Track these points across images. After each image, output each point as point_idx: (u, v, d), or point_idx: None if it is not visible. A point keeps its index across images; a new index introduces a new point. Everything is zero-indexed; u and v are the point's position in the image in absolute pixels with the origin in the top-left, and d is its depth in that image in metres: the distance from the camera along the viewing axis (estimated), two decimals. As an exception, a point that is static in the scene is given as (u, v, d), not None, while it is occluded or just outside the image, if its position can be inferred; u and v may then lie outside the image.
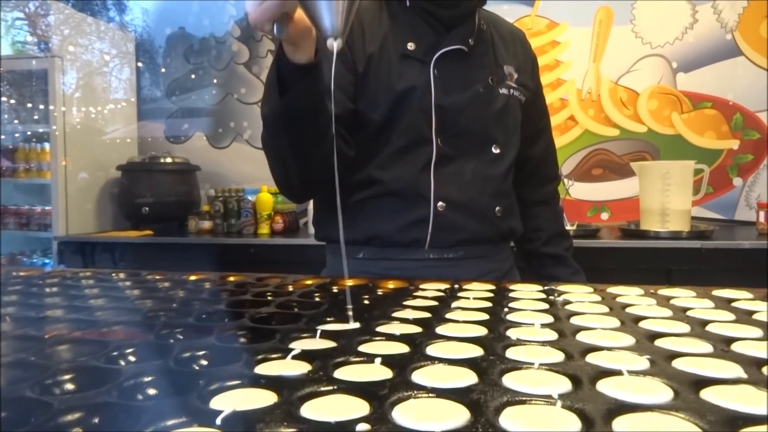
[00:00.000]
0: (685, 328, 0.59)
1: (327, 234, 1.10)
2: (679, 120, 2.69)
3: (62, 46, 2.77)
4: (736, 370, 0.46)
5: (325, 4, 0.60)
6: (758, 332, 0.57)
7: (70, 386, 0.46)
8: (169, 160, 2.89)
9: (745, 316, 0.65)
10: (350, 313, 0.63)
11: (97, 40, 3.00)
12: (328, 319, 0.65)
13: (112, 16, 3.44)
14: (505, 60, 1.09)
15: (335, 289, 0.84)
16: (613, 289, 0.81)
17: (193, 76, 3.25)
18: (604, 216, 2.80)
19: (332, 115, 0.74)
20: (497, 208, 1.06)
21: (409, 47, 1.01)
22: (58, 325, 0.63)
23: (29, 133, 3.00)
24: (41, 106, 2.86)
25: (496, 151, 1.05)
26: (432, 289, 0.83)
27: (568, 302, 0.72)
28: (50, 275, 0.97)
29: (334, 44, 0.62)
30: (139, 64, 3.32)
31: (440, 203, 1.00)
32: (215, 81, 3.22)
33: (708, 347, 0.53)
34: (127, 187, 2.86)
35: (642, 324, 0.61)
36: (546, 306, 0.70)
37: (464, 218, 1.02)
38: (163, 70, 3.31)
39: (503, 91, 1.06)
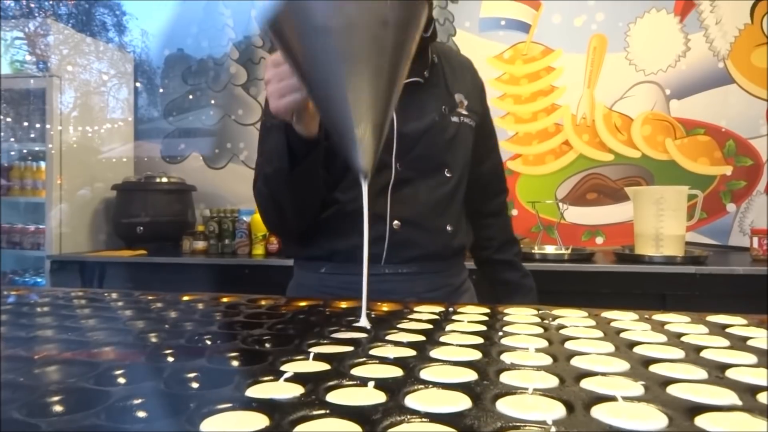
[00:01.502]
0: (680, 353, 0.59)
1: (295, 251, 1.20)
2: (673, 146, 2.71)
3: (61, 65, 2.78)
4: (731, 397, 0.45)
5: (358, 147, 0.70)
6: (753, 359, 0.57)
7: (58, 408, 0.45)
8: (164, 179, 2.89)
9: (739, 342, 0.64)
10: (364, 311, 0.70)
11: (96, 60, 3.03)
12: (322, 341, 0.64)
13: (112, 37, 3.47)
14: (456, 89, 1.18)
15: (328, 312, 0.84)
16: (607, 314, 0.81)
17: (190, 97, 3.27)
18: (599, 240, 2.81)
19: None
20: (448, 226, 1.15)
21: None
22: (47, 346, 0.62)
23: (25, 151, 3.00)
24: (38, 125, 2.86)
25: (447, 174, 1.14)
26: (426, 311, 0.83)
27: (563, 326, 0.72)
28: (42, 294, 0.96)
29: (363, 182, 0.73)
30: (137, 85, 3.34)
31: (396, 222, 1.08)
32: (213, 102, 3.23)
33: (703, 373, 0.52)
34: (121, 207, 2.86)
35: (636, 349, 0.61)
36: (540, 330, 0.70)
37: (418, 235, 1.10)
38: (161, 90, 3.33)
39: (455, 119, 1.15)
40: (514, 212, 2.86)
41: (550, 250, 2.48)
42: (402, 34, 0.70)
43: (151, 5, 3.35)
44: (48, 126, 2.72)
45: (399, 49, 0.70)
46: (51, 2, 3.55)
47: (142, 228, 2.77)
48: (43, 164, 2.83)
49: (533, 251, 2.39)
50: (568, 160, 2.82)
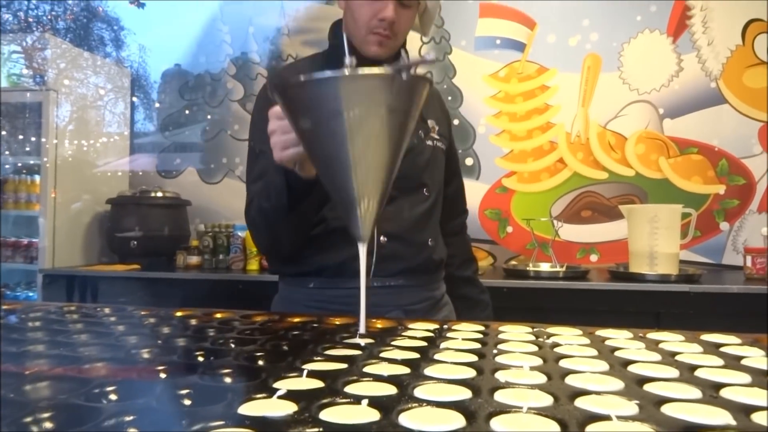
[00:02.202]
0: (674, 372, 0.59)
1: (284, 267, 1.23)
2: (666, 164, 2.73)
3: (57, 79, 2.79)
4: (725, 417, 0.45)
5: (358, 219, 0.77)
6: (747, 378, 0.57)
7: (48, 425, 0.44)
8: (159, 194, 2.88)
9: (733, 362, 0.64)
10: (362, 321, 0.78)
11: (93, 75, 3.03)
12: (316, 358, 0.64)
13: (109, 52, 3.48)
14: (428, 115, 1.26)
15: (323, 327, 0.84)
16: (602, 332, 0.81)
17: (187, 112, 3.28)
18: (594, 258, 2.81)
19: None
20: (429, 240, 1.22)
21: None
22: (38, 361, 0.61)
23: (20, 164, 3.00)
24: (33, 138, 2.86)
25: (426, 193, 1.22)
26: (421, 329, 0.83)
27: (557, 345, 0.72)
28: (33, 309, 0.95)
29: (361, 249, 0.81)
30: (134, 99, 3.34)
31: (383, 237, 1.14)
32: (209, 117, 3.24)
33: (697, 393, 0.52)
34: (115, 221, 2.84)
35: (631, 368, 0.61)
36: (535, 348, 0.70)
37: (403, 249, 1.16)
38: (157, 105, 3.34)
39: (429, 143, 1.24)
40: (509, 229, 2.87)
41: (545, 267, 2.48)
42: (405, 117, 0.76)
43: (150, 21, 3.37)
44: (43, 139, 2.72)
45: (401, 129, 0.76)
46: (49, 17, 3.57)
47: (136, 242, 2.76)
48: (37, 178, 2.82)
49: (528, 269, 2.39)
50: (562, 178, 2.83)
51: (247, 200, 1.15)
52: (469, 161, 2.90)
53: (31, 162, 2.89)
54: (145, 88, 3.38)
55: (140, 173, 3.29)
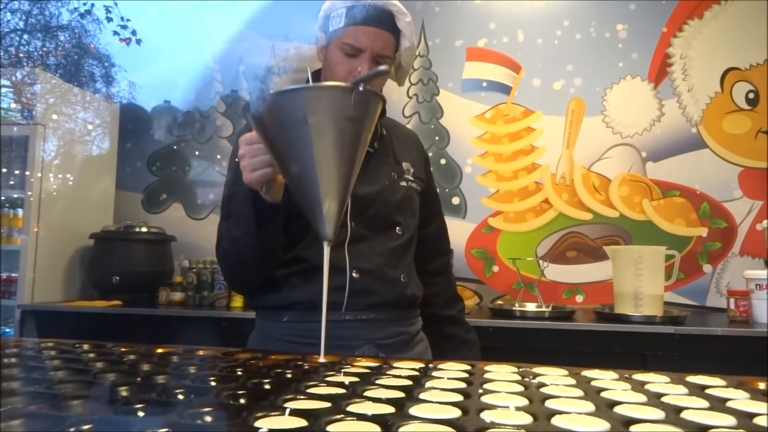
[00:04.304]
0: (660, 414, 0.59)
1: (259, 302, 1.25)
2: (650, 207, 2.77)
3: (45, 114, 2.79)
4: (711, 459, 0.45)
5: (324, 218, 0.86)
6: (732, 420, 0.57)
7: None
8: (144, 229, 2.86)
9: (719, 404, 0.64)
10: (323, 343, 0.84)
11: (81, 110, 3.04)
12: (299, 396, 0.63)
13: (99, 88, 3.51)
14: (403, 157, 1.31)
15: (306, 366, 0.82)
16: (588, 373, 0.80)
17: (175, 148, 3.28)
18: (579, 298, 2.82)
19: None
20: (402, 277, 1.23)
21: None
22: (12, 399, 0.59)
23: (2, 198, 2.97)
24: (17, 172, 2.84)
25: (399, 232, 1.25)
26: (406, 368, 0.82)
27: (543, 385, 0.72)
28: (9, 345, 0.93)
29: (326, 248, 0.89)
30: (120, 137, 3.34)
31: (354, 272, 1.17)
32: (197, 153, 3.25)
33: (683, 435, 0.52)
34: (98, 256, 2.81)
35: (617, 409, 0.60)
36: (521, 388, 0.69)
37: (375, 284, 1.18)
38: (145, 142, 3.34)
39: (403, 183, 1.28)
40: (495, 268, 2.87)
41: (531, 307, 2.48)
42: (362, 126, 0.87)
43: (141, 58, 3.40)
44: (28, 173, 2.70)
45: (359, 137, 0.87)
46: (41, 53, 3.60)
47: (118, 278, 2.72)
48: (20, 212, 2.79)
49: (514, 308, 2.39)
50: (548, 218, 2.86)
51: (218, 236, 1.20)
52: (455, 200, 2.92)
53: (15, 196, 2.86)
54: (134, 124, 3.39)
55: (126, 206, 3.27)
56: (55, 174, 2.83)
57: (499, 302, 2.78)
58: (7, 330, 2.76)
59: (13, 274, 2.75)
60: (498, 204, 2.90)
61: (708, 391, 0.71)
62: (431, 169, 1.45)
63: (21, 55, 3.43)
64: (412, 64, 1.33)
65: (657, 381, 0.76)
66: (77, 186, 3.00)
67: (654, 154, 2.79)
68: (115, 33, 3.43)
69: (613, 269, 2.31)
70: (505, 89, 2.93)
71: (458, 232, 2.88)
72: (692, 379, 0.78)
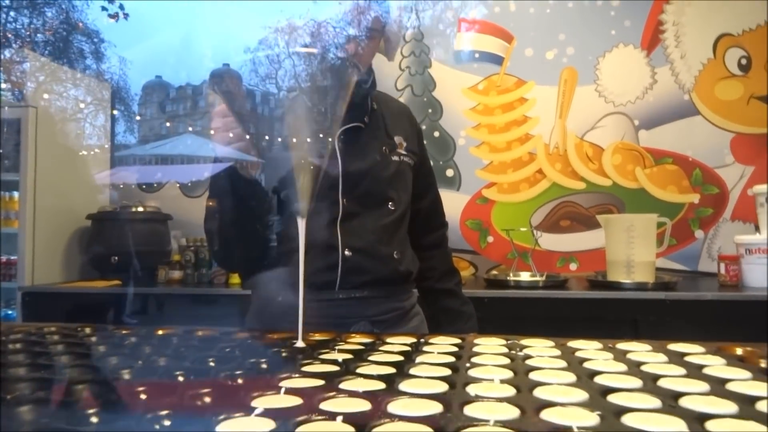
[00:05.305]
0: (638, 383, 0.62)
1: (252, 282, 1.27)
2: (642, 174, 2.79)
3: (36, 93, 2.78)
4: (680, 425, 0.48)
5: (293, 191, 0.84)
6: (706, 387, 0.60)
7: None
8: (140, 209, 2.87)
9: (695, 371, 0.67)
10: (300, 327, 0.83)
11: (72, 87, 3.02)
12: (294, 375, 0.66)
13: (89, 64, 3.47)
14: (395, 132, 1.31)
15: (302, 344, 0.85)
16: (573, 343, 0.83)
17: (168, 124, 3.28)
18: (573, 266, 2.86)
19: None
20: (395, 253, 1.24)
21: None
22: (19, 385, 0.62)
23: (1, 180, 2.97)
24: (11, 155, 2.84)
25: (391, 207, 1.25)
26: (398, 343, 0.85)
27: (529, 357, 0.74)
28: (13, 330, 0.96)
29: (300, 221, 0.87)
30: (114, 112, 3.34)
31: (347, 251, 1.17)
32: (190, 129, 3.25)
33: (657, 402, 0.55)
34: (96, 237, 2.83)
35: (597, 379, 0.63)
36: (508, 361, 0.72)
37: (368, 262, 1.19)
38: (138, 117, 3.33)
39: (395, 158, 1.28)
40: (490, 239, 2.90)
41: (525, 277, 2.52)
42: (333, 98, 0.86)
43: (131, 34, 3.37)
44: (22, 155, 2.70)
45: (331, 109, 0.86)
46: (28, 31, 3.55)
47: (117, 258, 2.75)
48: (16, 194, 2.80)
49: (508, 278, 2.42)
50: (541, 188, 2.88)
51: (205, 216, 1.21)
52: (449, 172, 2.94)
53: (10, 178, 2.86)
54: (126, 101, 3.37)
55: (121, 186, 3.28)
56: (49, 154, 2.83)
57: (494, 272, 2.82)
58: (10, 312, 2.80)
59: (12, 257, 2.77)
60: (492, 175, 2.92)
61: (687, 358, 0.74)
62: (424, 142, 1.45)
63: (9, 34, 3.39)
64: (402, 38, 1.33)
65: (638, 350, 0.79)
66: (72, 166, 3.00)
67: (647, 121, 2.80)
68: (104, 9, 3.39)
69: (606, 237, 2.35)
70: (498, 60, 2.92)
71: (453, 204, 2.90)
72: (673, 346, 0.81)
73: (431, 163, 1.48)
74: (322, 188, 1.18)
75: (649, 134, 2.79)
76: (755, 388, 0.59)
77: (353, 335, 0.91)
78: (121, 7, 3.38)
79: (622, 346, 0.82)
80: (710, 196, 2.75)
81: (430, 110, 2.96)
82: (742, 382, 0.62)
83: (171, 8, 3.25)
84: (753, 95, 2.73)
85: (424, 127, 2.94)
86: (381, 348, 0.81)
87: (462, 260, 2.91)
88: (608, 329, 2.16)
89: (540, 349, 0.79)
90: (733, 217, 2.74)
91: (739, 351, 0.79)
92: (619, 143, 2.82)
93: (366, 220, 1.21)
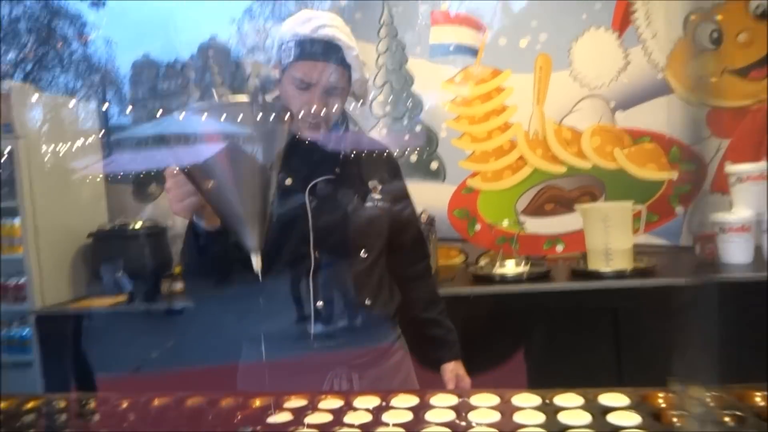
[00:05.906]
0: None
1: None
2: (621, 155, 2.85)
3: (24, 122, 2.83)
4: None
5: (245, 231, 0.91)
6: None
7: None
8: (138, 225, 2.96)
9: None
10: None
11: (60, 108, 3.05)
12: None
13: (75, 49, 3.47)
14: (370, 176, 1.32)
15: (275, 415, 0.95)
16: (517, 399, 0.93)
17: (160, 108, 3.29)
18: (559, 248, 2.95)
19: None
20: (367, 300, 1.28)
21: (287, 182, 1.23)
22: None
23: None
24: (8, 184, 2.92)
25: (363, 255, 1.28)
26: (362, 407, 0.95)
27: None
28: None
29: (254, 259, 0.93)
30: (105, 106, 3.32)
31: (319, 302, 1.22)
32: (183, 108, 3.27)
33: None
34: (98, 254, 2.94)
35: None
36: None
37: (340, 311, 1.24)
38: (129, 102, 3.35)
39: (369, 204, 1.29)
40: (478, 227, 2.99)
41: (510, 265, 2.58)
42: (265, 139, 0.92)
43: (113, 13, 3.34)
44: (17, 183, 2.79)
45: (264, 150, 0.91)
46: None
47: (120, 274, 2.86)
48: (17, 221, 2.90)
49: (493, 273, 2.51)
50: (524, 175, 2.95)
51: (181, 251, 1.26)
52: (433, 165, 3.00)
53: (9, 205, 2.95)
54: (116, 83, 3.38)
55: (118, 199, 3.33)
56: (45, 179, 2.91)
57: (481, 264, 2.89)
58: (24, 333, 2.93)
59: (21, 281, 2.89)
60: (475, 165, 2.98)
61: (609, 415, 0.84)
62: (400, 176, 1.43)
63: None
64: (370, 89, 1.36)
65: (571, 405, 0.89)
66: (68, 187, 3.08)
67: (622, 102, 2.84)
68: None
69: (584, 227, 2.43)
70: (473, 51, 2.95)
71: (439, 195, 2.98)
72: (603, 399, 0.91)
73: (411, 200, 1.45)
74: (292, 242, 1.25)
75: (625, 115, 2.84)
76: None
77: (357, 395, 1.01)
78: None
79: (558, 400, 0.91)
80: (688, 172, 2.81)
81: (410, 104, 3.00)
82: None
83: None
84: (726, 68, 2.76)
85: (405, 122, 3.00)
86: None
87: (453, 249, 3.01)
88: (589, 320, 2.28)
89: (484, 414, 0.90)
90: (712, 189, 2.81)
91: (661, 401, 0.89)
92: (596, 126, 2.87)
93: (337, 271, 1.25)
